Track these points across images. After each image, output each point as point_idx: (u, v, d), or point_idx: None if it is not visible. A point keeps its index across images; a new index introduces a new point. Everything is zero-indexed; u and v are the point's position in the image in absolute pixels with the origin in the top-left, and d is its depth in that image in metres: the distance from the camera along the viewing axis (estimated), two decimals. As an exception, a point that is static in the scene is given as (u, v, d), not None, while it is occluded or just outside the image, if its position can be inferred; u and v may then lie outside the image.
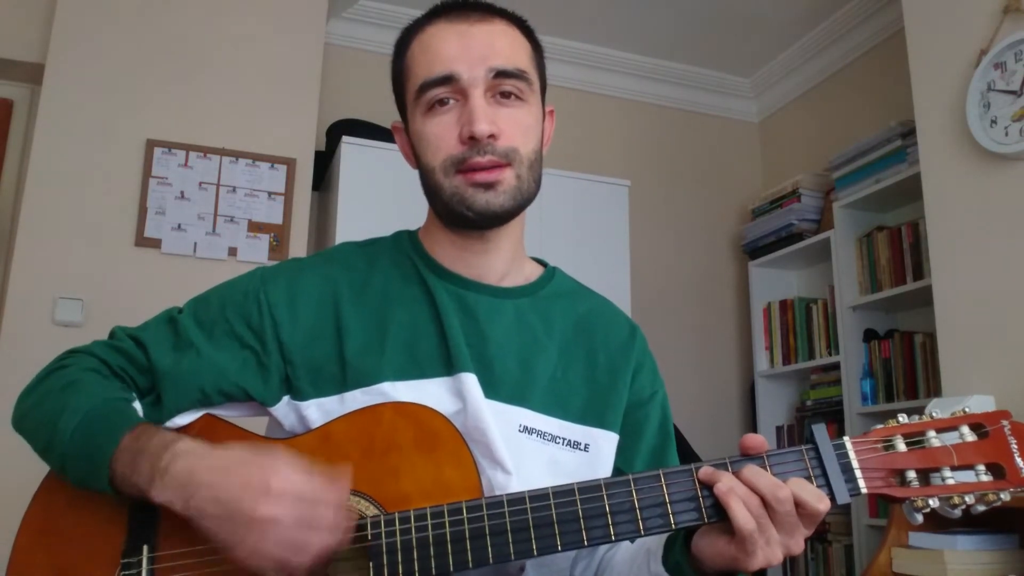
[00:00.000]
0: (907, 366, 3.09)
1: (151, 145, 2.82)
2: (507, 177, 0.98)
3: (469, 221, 0.99)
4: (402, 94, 1.05)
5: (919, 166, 2.63)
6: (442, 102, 0.98)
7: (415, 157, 1.04)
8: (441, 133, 0.98)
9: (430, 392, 0.95)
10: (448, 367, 0.97)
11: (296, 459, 0.82)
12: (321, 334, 0.98)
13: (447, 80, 0.97)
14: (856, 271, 3.35)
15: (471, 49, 0.98)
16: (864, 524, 3.13)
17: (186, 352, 0.96)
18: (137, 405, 0.95)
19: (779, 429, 3.71)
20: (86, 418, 0.88)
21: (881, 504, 3.05)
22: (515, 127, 0.98)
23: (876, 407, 3.15)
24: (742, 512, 0.79)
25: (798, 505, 0.79)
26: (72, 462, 0.88)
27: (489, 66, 0.97)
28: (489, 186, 0.97)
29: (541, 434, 0.98)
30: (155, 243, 2.78)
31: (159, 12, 2.93)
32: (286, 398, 0.98)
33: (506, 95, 0.99)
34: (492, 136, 0.96)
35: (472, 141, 0.96)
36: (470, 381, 0.96)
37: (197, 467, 0.83)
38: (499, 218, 0.99)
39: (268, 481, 0.79)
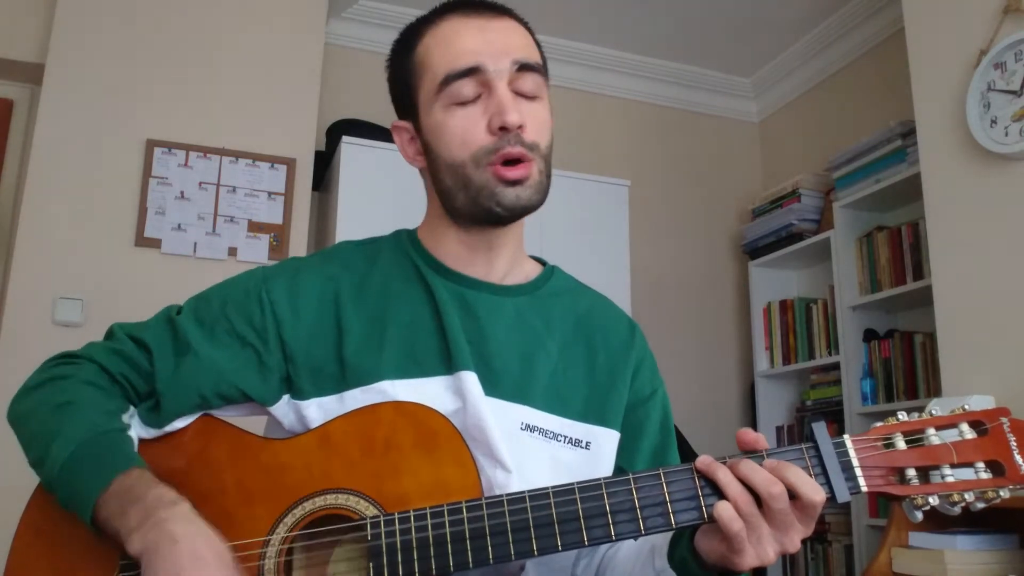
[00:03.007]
0: (907, 366, 3.09)
1: (151, 145, 2.82)
2: (533, 172, 0.98)
3: (495, 216, 0.99)
4: (409, 91, 1.03)
5: (919, 166, 2.64)
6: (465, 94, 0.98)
7: (429, 153, 1.03)
8: (468, 126, 0.97)
9: (429, 390, 0.95)
10: (448, 365, 0.97)
11: None
12: (322, 333, 0.98)
13: (472, 71, 0.97)
14: (856, 271, 3.35)
15: (493, 43, 0.98)
16: (864, 524, 3.13)
17: (185, 356, 0.96)
18: (134, 427, 0.94)
19: (779, 429, 3.71)
20: (77, 452, 0.87)
21: (881, 504, 3.05)
22: (536, 122, 0.99)
23: (876, 407, 3.15)
24: (727, 512, 0.78)
25: (794, 496, 0.79)
26: (60, 490, 0.88)
27: (513, 59, 0.98)
28: (518, 182, 0.97)
29: (543, 432, 0.98)
30: (155, 243, 2.78)
31: (159, 12, 2.93)
32: (286, 397, 0.98)
33: (525, 90, 0.99)
34: (521, 127, 0.96)
35: (503, 132, 0.96)
36: (470, 379, 0.95)
37: (182, 539, 0.81)
38: (525, 212, 1.00)
39: None
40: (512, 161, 0.97)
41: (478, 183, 0.98)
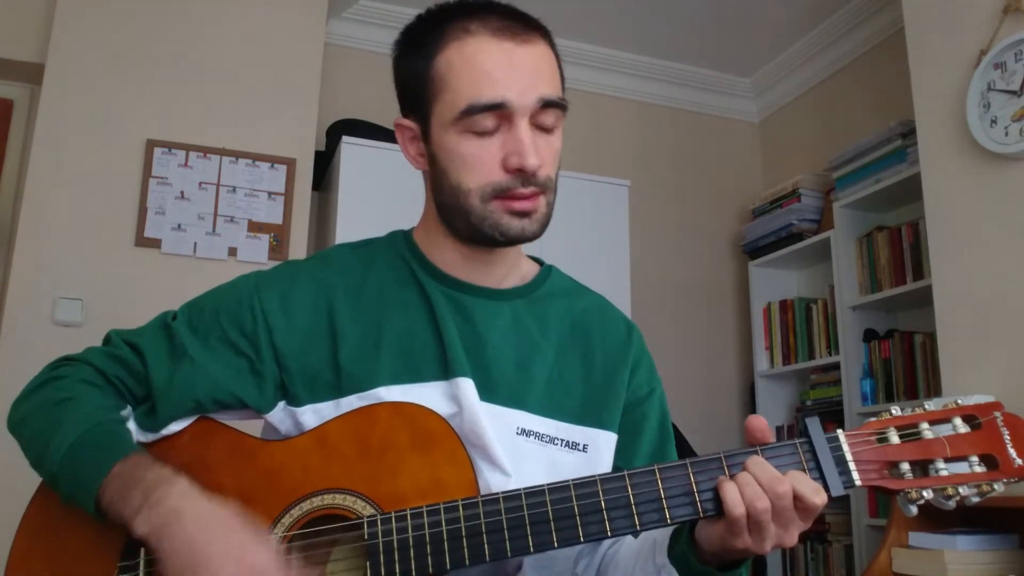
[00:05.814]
0: (907, 366, 3.09)
1: (151, 145, 2.83)
2: (541, 205, 0.97)
3: (494, 242, 0.99)
4: (423, 98, 0.98)
5: (919, 166, 2.63)
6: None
7: (434, 165, 1.00)
8: (483, 157, 0.94)
9: (425, 396, 0.95)
10: (444, 371, 0.97)
11: (278, 555, 0.83)
12: (316, 340, 0.98)
13: (497, 107, 0.93)
14: (856, 271, 3.35)
15: (520, 75, 0.94)
16: (864, 524, 3.12)
17: (181, 361, 0.96)
18: (131, 424, 0.94)
19: (779, 429, 3.71)
20: (78, 442, 0.88)
21: (881, 504, 3.05)
22: (551, 155, 0.98)
23: (876, 407, 3.14)
24: (732, 495, 0.80)
25: (796, 499, 0.79)
26: (62, 482, 0.88)
27: (538, 95, 0.94)
28: (525, 214, 0.96)
29: (539, 436, 0.98)
30: (155, 243, 2.78)
31: (159, 12, 2.93)
32: (282, 404, 0.98)
33: (546, 124, 0.97)
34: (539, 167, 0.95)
35: (519, 172, 0.94)
36: (466, 386, 0.95)
37: (186, 512, 0.83)
38: (525, 242, 1.00)
39: (244, 553, 0.80)
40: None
41: (480, 214, 0.96)
